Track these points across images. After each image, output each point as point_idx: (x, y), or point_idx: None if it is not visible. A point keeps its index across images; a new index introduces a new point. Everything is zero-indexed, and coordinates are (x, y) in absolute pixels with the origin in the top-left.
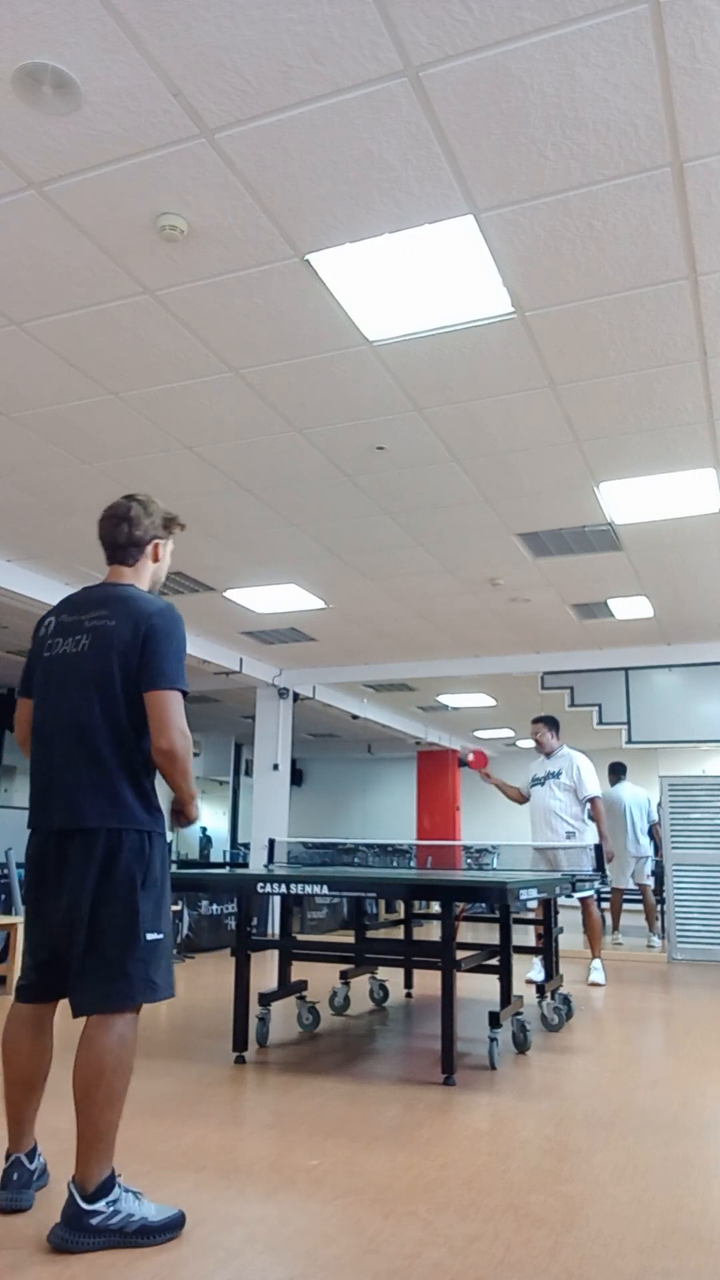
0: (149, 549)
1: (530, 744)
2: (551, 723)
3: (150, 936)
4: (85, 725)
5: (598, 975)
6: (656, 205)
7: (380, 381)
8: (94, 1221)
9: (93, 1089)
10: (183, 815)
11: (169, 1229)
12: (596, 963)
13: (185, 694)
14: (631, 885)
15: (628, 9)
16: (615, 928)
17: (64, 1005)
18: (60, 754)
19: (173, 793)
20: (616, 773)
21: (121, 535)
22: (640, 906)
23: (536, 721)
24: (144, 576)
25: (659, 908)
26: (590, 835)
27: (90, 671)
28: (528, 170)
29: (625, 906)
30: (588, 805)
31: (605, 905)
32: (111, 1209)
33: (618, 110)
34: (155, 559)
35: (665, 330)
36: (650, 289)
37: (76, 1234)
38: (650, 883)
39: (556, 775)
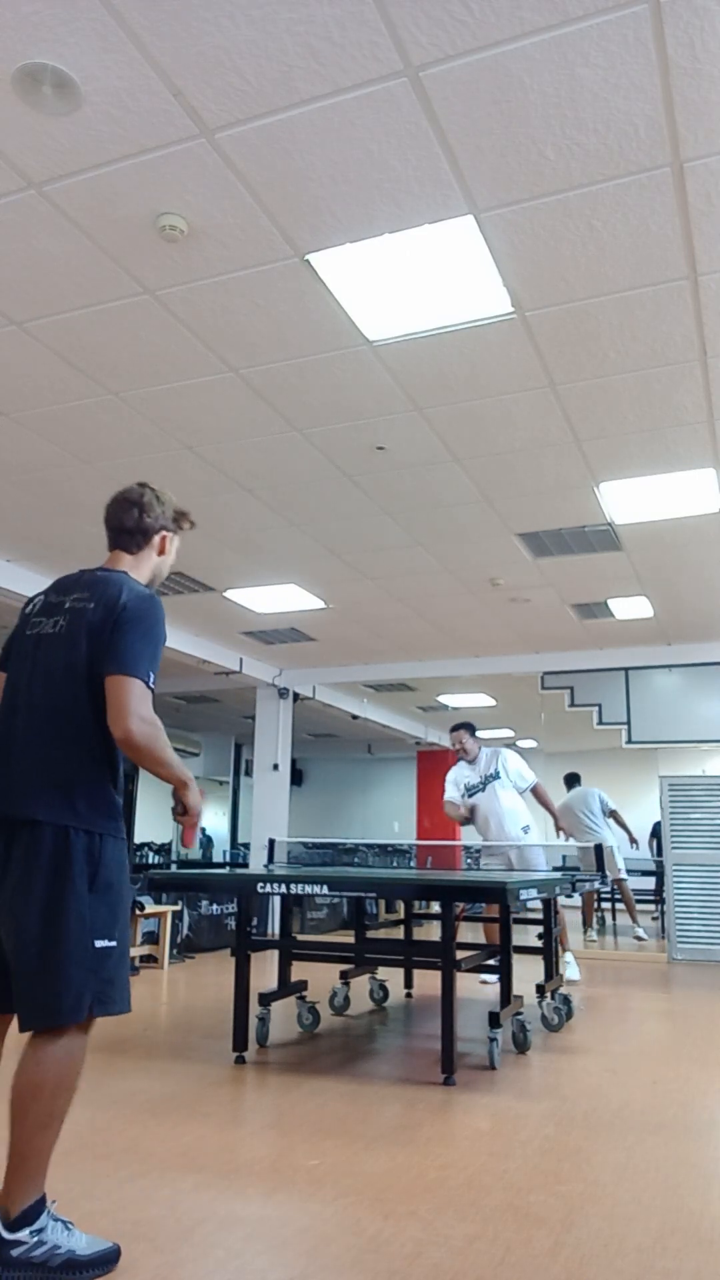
0: (155, 540)
1: (530, 744)
2: (471, 728)
3: (100, 944)
4: (49, 711)
5: (572, 972)
6: (656, 205)
7: (380, 381)
8: (15, 1253)
9: (30, 1104)
10: (181, 805)
11: (99, 1264)
12: (568, 956)
13: (150, 687)
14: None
15: (628, 9)
16: (588, 925)
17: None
18: (19, 739)
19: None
20: (571, 781)
21: (130, 520)
22: (615, 903)
23: (457, 729)
24: (144, 567)
25: (659, 907)
26: (539, 830)
27: (62, 655)
28: (528, 170)
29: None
30: (530, 794)
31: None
32: (35, 1239)
33: (618, 110)
34: (161, 551)
35: (665, 330)
36: (650, 289)
37: None
38: (624, 875)
39: (496, 776)
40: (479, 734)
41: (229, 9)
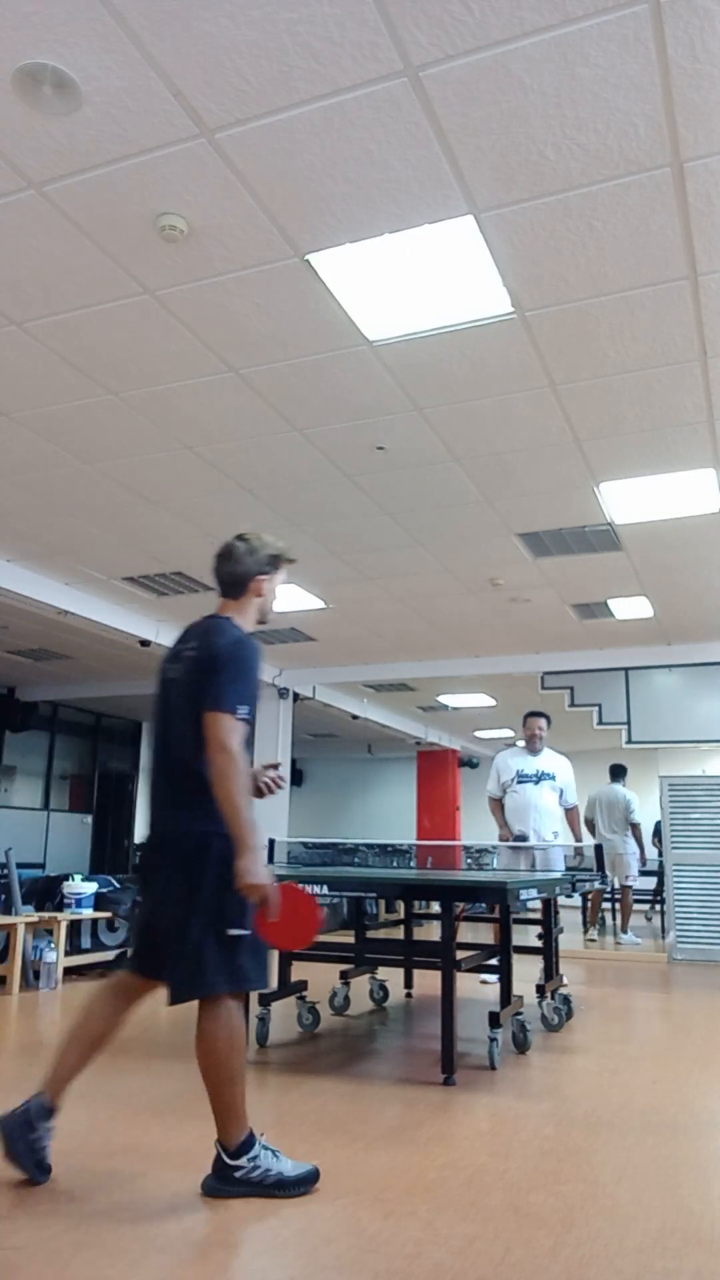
0: (251, 585)
1: (489, 734)
2: (549, 719)
3: (232, 932)
4: (177, 742)
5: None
6: (656, 205)
7: (380, 381)
8: (237, 1174)
9: (210, 1069)
10: (235, 866)
11: (304, 1182)
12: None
13: (236, 716)
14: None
15: (628, 9)
16: (593, 922)
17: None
18: (163, 766)
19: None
20: (615, 773)
21: (224, 572)
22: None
23: (539, 715)
24: (247, 611)
25: (659, 907)
26: (565, 840)
27: (179, 696)
28: (528, 170)
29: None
30: (567, 812)
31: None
32: (251, 1164)
33: (618, 110)
34: (259, 594)
35: (665, 330)
36: (650, 289)
37: (223, 1185)
38: (633, 883)
39: (551, 777)
40: (480, 734)
41: (229, 9)
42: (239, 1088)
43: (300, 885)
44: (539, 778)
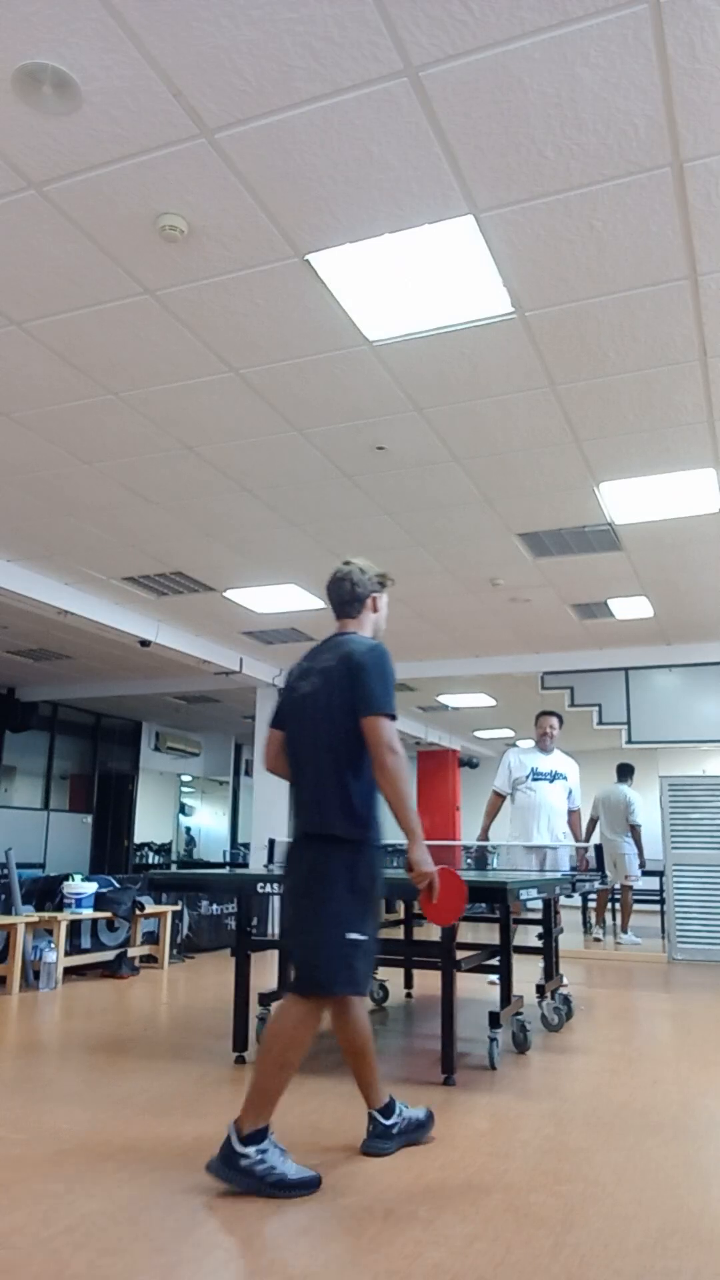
0: (367, 602)
1: (530, 743)
2: (561, 719)
3: (351, 936)
4: (316, 752)
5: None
6: (656, 205)
7: (380, 381)
8: (242, 1163)
9: (271, 1047)
10: (408, 857)
11: (302, 1187)
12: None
13: (393, 717)
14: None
15: (628, 9)
16: (598, 921)
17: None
18: (304, 774)
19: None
20: (622, 773)
21: (344, 593)
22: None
23: (552, 714)
24: (366, 625)
25: (660, 908)
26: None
27: (321, 707)
28: (528, 170)
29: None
30: (572, 814)
31: (591, 904)
32: (259, 1157)
33: (618, 110)
34: (374, 610)
35: (665, 330)
36: (650, 289)
37: (226, 1169)
38: (634, 883)
39: (564, 777)
40: (480, 734)
41: (229, 9)
42: (284, 1080)
43: (453, 869)
44: (553, 776)
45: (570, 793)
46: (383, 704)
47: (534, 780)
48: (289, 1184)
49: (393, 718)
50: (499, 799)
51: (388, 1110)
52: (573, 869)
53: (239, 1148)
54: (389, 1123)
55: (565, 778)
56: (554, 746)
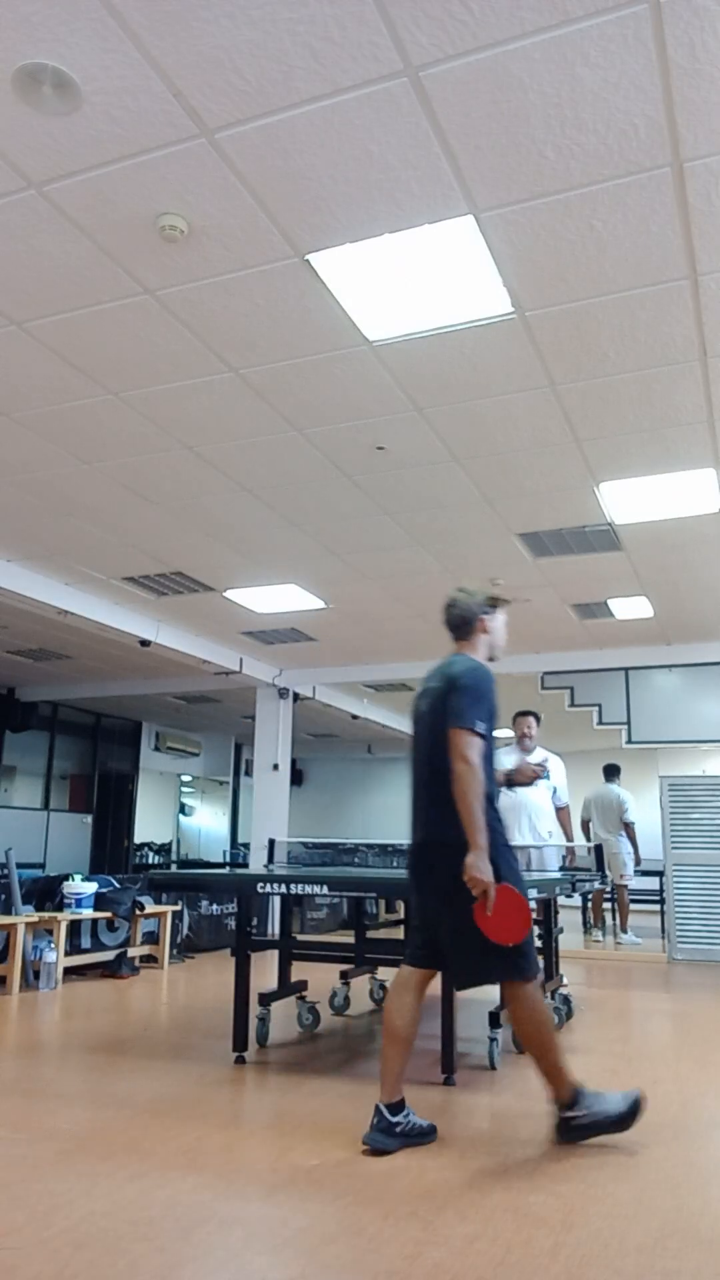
0: (476, 624)
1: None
2: (539, 717)
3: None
4: (430, 764)
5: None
6: (656, 205)
7: (380, 381)
8: (574, 1122)
9: (529, 1042)
10: (465, 863)
11: (630, 1116)
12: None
13: (474, 732)
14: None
15: (628, 9)
16: (597, 923)
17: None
18: (421, 788)
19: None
20: (609, 773)
21: (454, 617)
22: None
23: (528, 714)
24: (478, 646)
25: (659, 908)
26: (558, 839)
27: (428, 725)
28: (528, 170)
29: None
30: (559, 811)
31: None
32: (585, 1110)
33: (618, 110)
34: (485, 631)
35: (665, 330)
36: (650, 289)
37: (566, 1135)
38: (629, 882)
39: (545, 776)
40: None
41: (229, 9)
42: (555, 1054)
43: (515, 889)
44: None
45: (555, 790)
46: (465, 718)
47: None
48: (612, 1118)
49: (474, 732)
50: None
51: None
52: (561, 868)
53: (568, 1113)
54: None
55: (547, 776)
56: (534, 746)
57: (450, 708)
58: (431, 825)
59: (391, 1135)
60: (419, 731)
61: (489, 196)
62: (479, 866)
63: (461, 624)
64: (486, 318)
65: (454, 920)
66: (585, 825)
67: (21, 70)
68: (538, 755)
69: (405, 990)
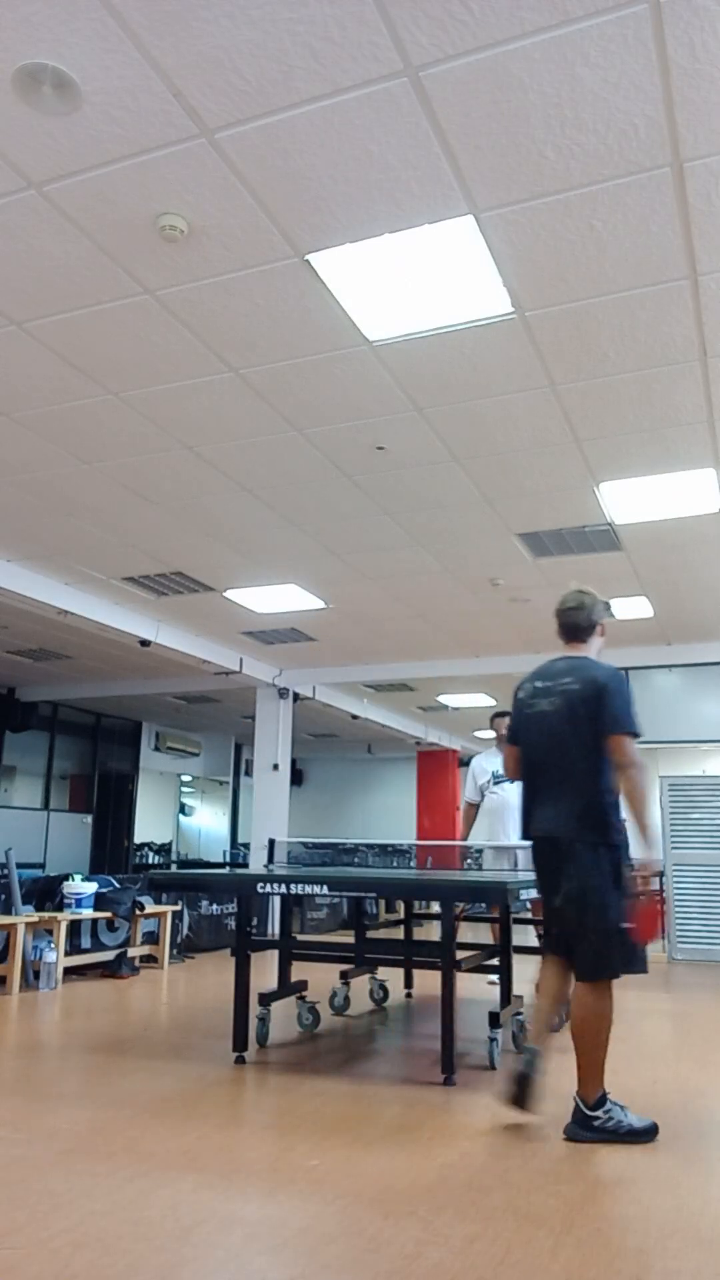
0: (598, 628)
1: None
2: None
3: (623, 925)
4: (563, 764)
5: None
6: (656, 205)
7: (380, 381)
8: (595, 1124)
9: (582, 1033)
10: (638, 856)
11: (647, 1133)
12: None
13: (636, 735)
14: None
15: (628, 9)
16: None
17: None
18: (550, 788)
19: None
20: None
21: (581, 619)
22: None
23: (507, 714)
24: (594, 648)
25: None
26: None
27: (564, 724)
28: (528, 170)
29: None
30: None
31: None
32: (606, 1115)
33: (618, 110)
34: (601, 634)
35: (665, 330)
36: (650, 289)
37: (584, 1131)
38: None
39: None
40: (480, 734)
41: (229, 9)
42: (603, 1053)
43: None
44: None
45: None
46: (628, 723)
47: (495, 784)
48: (637, 1131)
49: (636, 735)
50: (472, 809)
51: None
52: None
53: (590, 1113)
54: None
55: None
56: None
57: (609, 713)
58: (569, 823)
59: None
60: (547, 731)
61: (489, 196)
62: (652, 862)
63: (588, 626)
64: (486, 318)
65: (584, 915)
66: None
67: (21, 70)
68: None
69: (555, 969)
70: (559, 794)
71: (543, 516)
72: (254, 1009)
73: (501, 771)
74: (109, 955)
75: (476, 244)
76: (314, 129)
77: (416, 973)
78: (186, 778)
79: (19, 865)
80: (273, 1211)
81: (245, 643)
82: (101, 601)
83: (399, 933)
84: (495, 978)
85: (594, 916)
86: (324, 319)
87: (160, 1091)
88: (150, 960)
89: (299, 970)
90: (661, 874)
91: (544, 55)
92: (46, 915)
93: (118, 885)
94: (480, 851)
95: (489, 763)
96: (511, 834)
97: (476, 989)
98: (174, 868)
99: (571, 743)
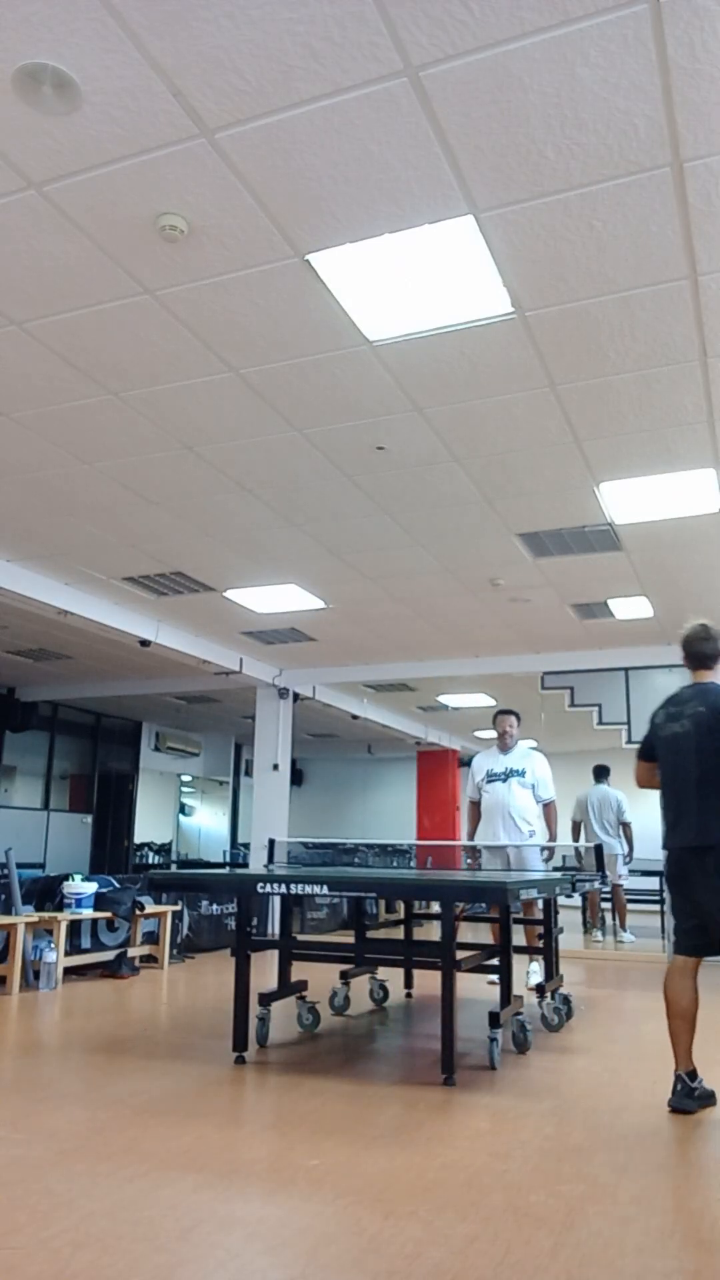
0: None
1: (530, 743)
2: (518, 716)
3: None
4: (697, 778)
5: (537, 977)
6: (656, 205)
7: (380, 381)
8: (697, 1093)
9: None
10: None
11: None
12: (534, 965)
13: None
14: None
15: (628, 9)
16: (595, 924)
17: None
18: (688, 799)
19: None
20: (599, 774)
21: (709, 649)
22: (604, 905)
23: (507, 714)
24: (717, 675)
25: (660, 908)
26: (541, 836)
27: (694, 744)
28: (528, 170)
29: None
30: (543, 807)
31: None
32: (701, 1084)
33: (618, 110)
34: None
35: (665, 330)
36: (650, 289)
37: (690, 1100)
38: (624, 882)
39: (520, 774)
40: (480, 734)
41: (229, 9)
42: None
43: None
44: (507, 775)
45: (534, 787)
46: None
47: (488, 782)
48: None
49: None
50: (475, 807)
51: (693, 1074)
52: (558, 868)
53: (693, 1084)
54: (693, 1085)
55: (523, 774)
56: (515, 744)
57: None
58: (705, 834)
59: (691, 1098)
60: (680, 751)
61: (489, 196)
62: None
63: (713, 655)
64: (486, 318)
65: None
66: (576, 827)
67: (21, 70)
68: (519, 750)
69: (683, 976)
70: (694, 809)
71: (543, 516)
72: (254, 1009)
73: (496, 770)
74: (109, 955)
75: (476, 244)
76: (314, 129)
77: (416, 973)
78: (186, 778)
79: (19, 865)
80: (273, 1211)
81: (245, 643)
82: (101, 601)
83: (399, 933)
84: (495, 978)
85: None
86: (324, 319)
87: (160, 1091)
88: (150, 960)
89: (299, 970)
90: None
91: (544, 55)
92: (46, 915)
93: (118, 885)
94: (479, 852)
95: (485, 761)
96: (501, 834)
97: (476, 989)
98: (174, 868)
99: (699, 761)
